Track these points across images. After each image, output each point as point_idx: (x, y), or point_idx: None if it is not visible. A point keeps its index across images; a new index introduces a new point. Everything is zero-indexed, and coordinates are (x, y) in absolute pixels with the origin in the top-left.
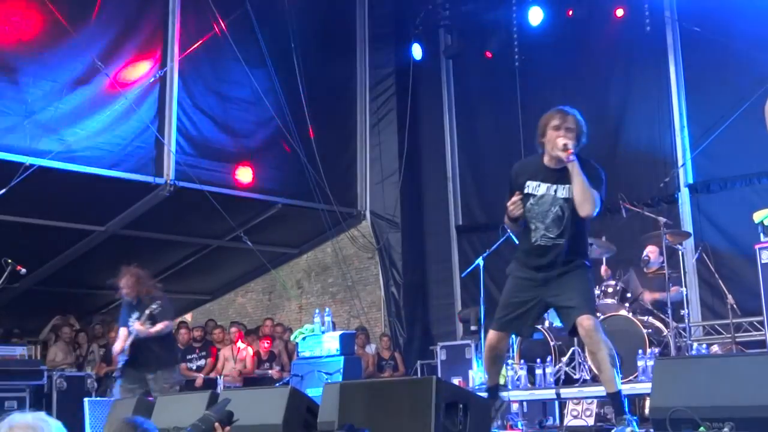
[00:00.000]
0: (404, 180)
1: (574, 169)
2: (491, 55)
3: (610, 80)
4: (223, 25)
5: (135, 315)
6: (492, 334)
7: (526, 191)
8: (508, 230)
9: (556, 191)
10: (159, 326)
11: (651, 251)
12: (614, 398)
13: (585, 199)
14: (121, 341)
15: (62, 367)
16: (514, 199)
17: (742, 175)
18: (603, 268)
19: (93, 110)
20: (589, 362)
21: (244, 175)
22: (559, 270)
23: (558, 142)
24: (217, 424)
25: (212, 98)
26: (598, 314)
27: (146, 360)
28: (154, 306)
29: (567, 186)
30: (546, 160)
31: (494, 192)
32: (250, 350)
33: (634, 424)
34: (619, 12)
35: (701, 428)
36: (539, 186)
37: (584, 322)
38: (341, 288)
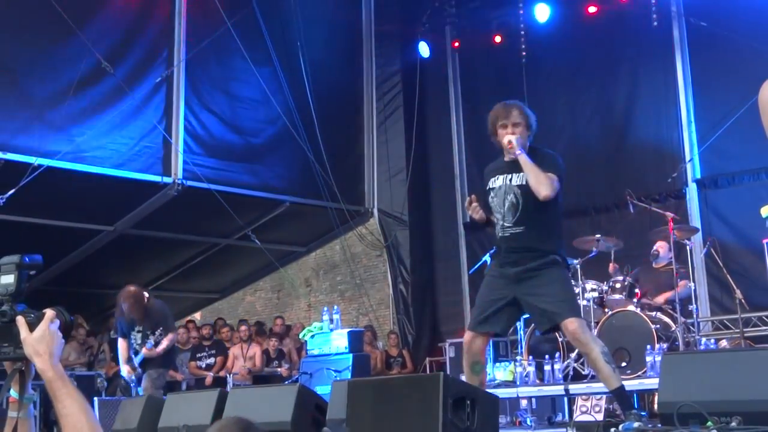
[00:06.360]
0: (412, 177)
1: (522, 159)
2: (501, 39)
3: (616, 76)
4: (229, 24)
5: (137, 328)
6: (466, 334)
7: (488, 188)
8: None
9: (510, 179)
10: (165, 343)
11: (660, 246)
12: (618, 394)
13: (539, 182)
14: (125, 359)
15: (74, 367)
16: (468, 200)
17: (749, 169)
18: (611, 265)
19: (100, 110)
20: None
21: None
22: (530, 265)
23: (503, 141)
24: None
25: (219, 97)
26: (606, 310)
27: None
28: (159, 333)
29: (521, 173)
30: (504, 155)
31: None
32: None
33: (642, 417)
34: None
35: (709, 422)
36: (497, 179)
37: (569, 325)
38: (350, 286)
